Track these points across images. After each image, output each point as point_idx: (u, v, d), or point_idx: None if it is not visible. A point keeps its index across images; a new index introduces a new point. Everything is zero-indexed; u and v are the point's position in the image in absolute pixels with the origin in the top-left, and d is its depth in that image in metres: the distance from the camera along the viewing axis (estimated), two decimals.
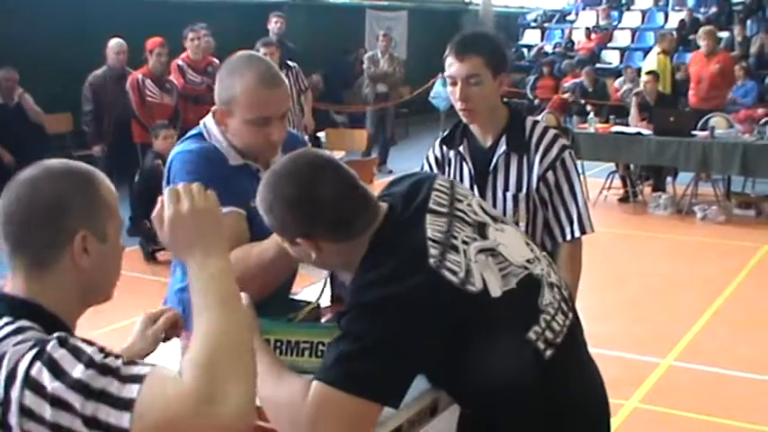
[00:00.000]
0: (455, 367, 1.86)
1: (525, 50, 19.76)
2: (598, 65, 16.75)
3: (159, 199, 1.63)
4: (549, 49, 18.93)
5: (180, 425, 1.36)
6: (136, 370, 1.38)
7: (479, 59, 2.82)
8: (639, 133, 9.33)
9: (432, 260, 1.81)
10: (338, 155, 9.32)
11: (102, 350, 1.42)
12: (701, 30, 11.34)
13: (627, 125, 9.89)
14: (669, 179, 10.13)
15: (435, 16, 18.49)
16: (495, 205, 2.95)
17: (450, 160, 3.07)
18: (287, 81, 8.42)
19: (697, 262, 7.82)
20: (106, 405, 1.36)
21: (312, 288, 2.65)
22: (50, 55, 10.30)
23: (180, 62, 9.03)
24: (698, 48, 11.33)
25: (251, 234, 2.43)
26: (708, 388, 5.09)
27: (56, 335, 1.44)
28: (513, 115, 2.99)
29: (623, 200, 9.88)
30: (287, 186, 1.89)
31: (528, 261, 1.99)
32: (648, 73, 10.33)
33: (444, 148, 3.09)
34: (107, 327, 6.02)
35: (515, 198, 2.94)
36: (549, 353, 1.90)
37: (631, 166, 9.94)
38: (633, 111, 10.06)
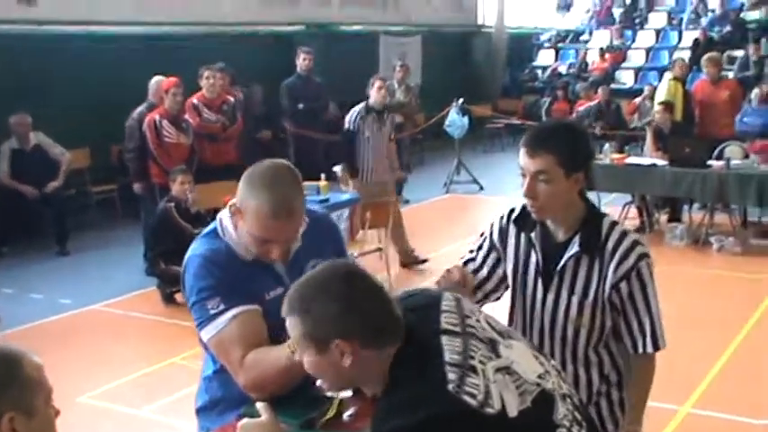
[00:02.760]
0: None
1: (539, 71, 19.78)
2: (612, 85, 16.74)
3: None
4: (563, 69, 18.96)
5: None
6: None
7: (551, 158, 2.67)
8: (655, 165, 9.34)
9: (451, 386, 1.84)
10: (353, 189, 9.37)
11: None
12: (705, 58, 11.25)
13: (641, 154, 9.91)
14: (686, 207, 10.13)
15: (449, 39, 18.54)
16: (557, 306, 2.84)
17: (518, 240, 2.93)
18: (385, 125, 8.36)
19: (714, 296, 7.82)
20: None
21: None
22: (64, 92, 10.40)
23: (195, 101, 9.10)
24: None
25: (268, 327, 2.51)
26: None
27: None
28: (590, 213, 2.82)
29: (639, 230, 9.86)
30: (333, 286, 1.95)
31: (539, 376, 2.02)
32: (660, 103, 10.34)
33: (513, 226, 2.95)
34: (131, 375, 6.10)
35: (581, 304, 2.80)
36: None
37: (647, 195, 9.94)
38: (648, 141, 10.07)
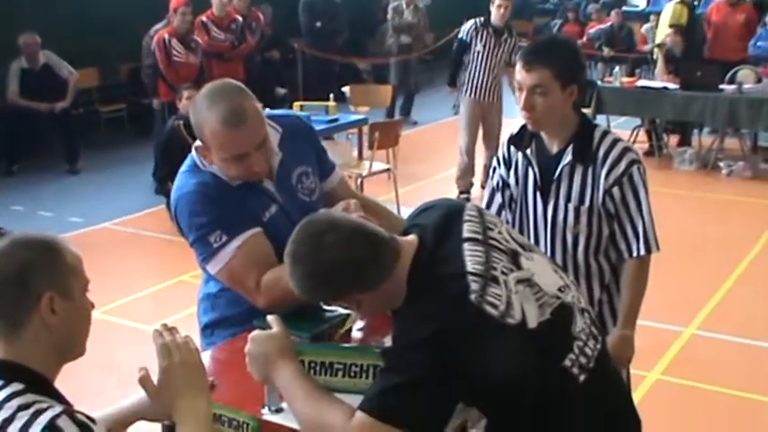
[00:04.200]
0: (494, 395, 1.93)
1: None
2: (624, 8, 16.49)
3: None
4: None
5: None
6: None
7: (547, 71, 2.76)
8: (666, 88, 9.26)
9: (473, 295, 1.86)
10: (363, 110, 9.35)
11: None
12: None
13: (652, 78, 9.82)
14: (695, 131, 10.08)
15: None
16: (556, 215, 2.94)
17: (517, 162, 3.03)
18: (501, 46, 8.03)
19: (722, 221, 7.83)
20: None
21: None
22: (73, 10, 10.29)
23: (204, 19, 9.07)
24: None
25: (274, 244, 2.48)
26: (732, 358, 5.14)
27: (61, 408, 1.61)
28: (583, 124, 2.92)
29: (648, 153, 9.83)
30: (297, 266, 1.96)
31: (559, 289, 2.04)
32: (671, 26, 10.20)
33: (512, 148, 3.05)
34: (142, 291, 6.19)
35: (577, 210, 2.90)
36: (582, 377, 1.96)
37: (657, 119, 9.89)
38: (659, 64, 9.98)
